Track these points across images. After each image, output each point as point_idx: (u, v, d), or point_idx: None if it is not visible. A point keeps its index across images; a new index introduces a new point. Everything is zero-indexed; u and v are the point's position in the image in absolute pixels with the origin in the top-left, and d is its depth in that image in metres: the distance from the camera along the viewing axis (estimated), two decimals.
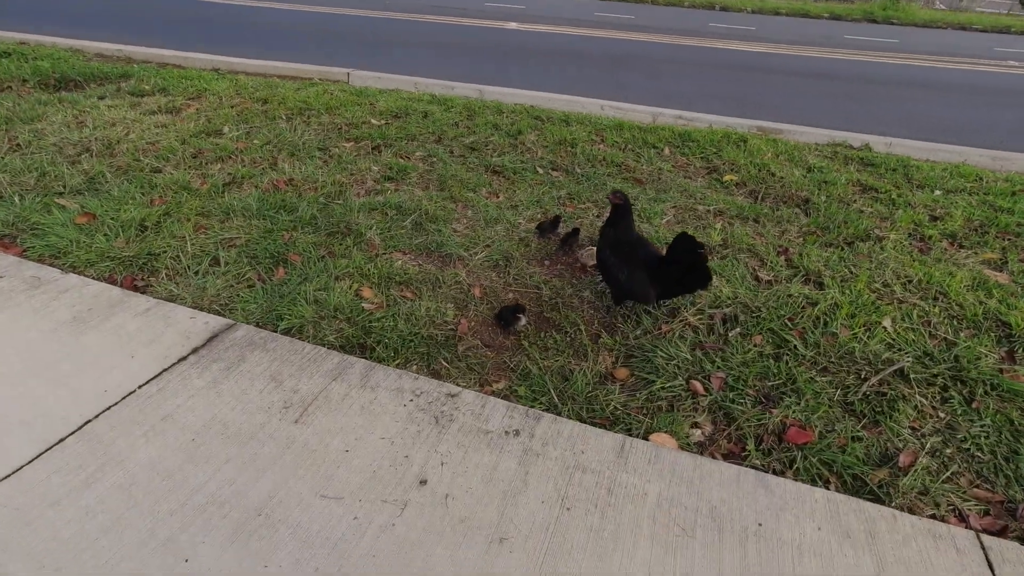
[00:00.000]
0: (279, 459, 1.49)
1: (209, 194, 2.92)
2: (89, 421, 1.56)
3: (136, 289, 2.22)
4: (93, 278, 2.23)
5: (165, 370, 1.76)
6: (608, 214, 2.28)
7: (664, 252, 2.11)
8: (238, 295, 2.22)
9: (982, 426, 1.77)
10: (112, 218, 2.61)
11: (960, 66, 10.02)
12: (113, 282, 2.24)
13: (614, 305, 2.27)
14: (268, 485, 1.41)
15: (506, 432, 1.62)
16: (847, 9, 20.30)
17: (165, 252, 2.42)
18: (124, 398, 1.64)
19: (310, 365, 1.84)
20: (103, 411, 1.59)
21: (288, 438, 1.56)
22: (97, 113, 3.93)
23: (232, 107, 4.28)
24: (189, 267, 2.36)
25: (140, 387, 1.68)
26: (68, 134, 3.53)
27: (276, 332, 2.02)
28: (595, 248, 2.31)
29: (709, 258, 2.02)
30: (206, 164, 3.30)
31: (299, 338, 2.01)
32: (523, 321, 2.12)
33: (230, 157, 3.40)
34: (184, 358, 1.82)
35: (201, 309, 2.11)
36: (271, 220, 2.71)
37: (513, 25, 11.52)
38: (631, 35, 11.25)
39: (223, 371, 1.77)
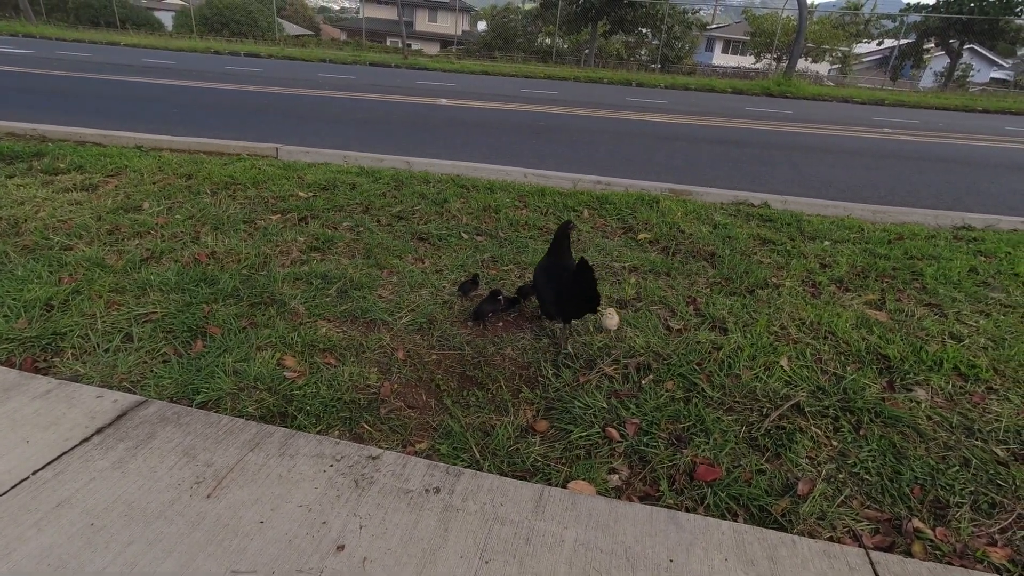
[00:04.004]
0: (188, 536, 1.43)
1: (124, 270, 2.86)
2: None
3: (38, 371, 2.12)
4: None
5: (65, 453, 1.67)
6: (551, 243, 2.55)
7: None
8: (152, 371, 2.15)
9: (869, 451, 1.93)
10: (14, 299, 2.50)
11: (845, 133, 11.28)
12: (12, 365, 2.13)
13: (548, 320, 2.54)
14: (174, 565, 1.35)
15: (426, 490, 1.63)
16: (747, 84, 22.57)
17: (72, 331, 2.33)
18: (15, 486, 1.54)
19: (226, 437, 1.79)
20: None
21: (199, 514, 1.51)
22: (3, 192, 3.80)
23: (154, 183, 4.24)
24: (99, 345, 2.27)
25: (35, 473, 1.59)
26: None
27: (191, 406, 1.97)
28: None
29: (599, 280, 2.30)
30: (123, 240, 3.24)
31: (216, 411, 1.97)
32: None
33: (149, 232, 3.35)
34: (88, 439, 1.74)
35: (110, 387, 2.03)
36: (190, 293, 2.67)
37: (443, 101, 12.08)
38: (555, 109, 12.03)
39: (130, 450, 1.70)
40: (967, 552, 1.60)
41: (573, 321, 2.52)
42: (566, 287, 2.29)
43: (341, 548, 1.43)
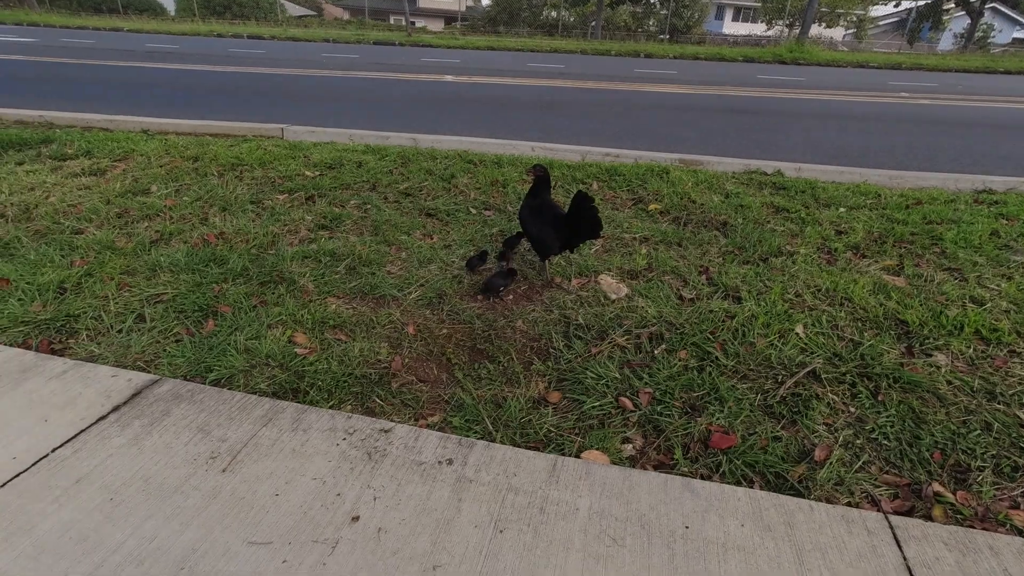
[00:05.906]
0: (204, 510, 1.45)
1: (135, 252, 2.86)
2: None
3: (53, 352, 2.14)
4: (5, 344, 2.14)
5: (82, 431, 1.69)
6: (530, 187, 2.74)
7: (567, 211, 2.55)
8: (164, 350, 2.16)
9: (888, 416, 1.90)
10: (28, 282, 2.52)
11: (860, 98, 10.99)
12: (28, 347, 2.15)
13: (540, 261, 2.79)
14: (192, 537, 1.37)
15: (439, 462, 1.63)
16: (758, 52, 22.02)
17: (86, 313, 2.34)
18: (35, 463, 1.56)
19: (239, 413, 1.80)
20: (10, 479, 1.51)
21: (215, 488, 1.52)
22: (14, 179, 3.82)
23: (161, 166, 4.24)
24: (112, 326, 2.29)
25: (54, 450, 1.61)
26: None
27: (205, 384, 1.98)
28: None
29: (602, 218, 2.51)
30: (132, 223, 3.24)
31: (230, 388, 1.98)
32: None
33: (158, 215, 3.36)
34: (104, 417, 1.75)
35: (124, 367, 2.05)
36: (200, 274, 2.68)
37: (449, 78, 11.93)
38: (562, 82, 11.83)
39: (146, 427, 1.72)
40: (989, 515, 1.57)
41: (580, 291, 2.49)
42: (564, 219, 2.54)
43: (356, 519, 1.44)
